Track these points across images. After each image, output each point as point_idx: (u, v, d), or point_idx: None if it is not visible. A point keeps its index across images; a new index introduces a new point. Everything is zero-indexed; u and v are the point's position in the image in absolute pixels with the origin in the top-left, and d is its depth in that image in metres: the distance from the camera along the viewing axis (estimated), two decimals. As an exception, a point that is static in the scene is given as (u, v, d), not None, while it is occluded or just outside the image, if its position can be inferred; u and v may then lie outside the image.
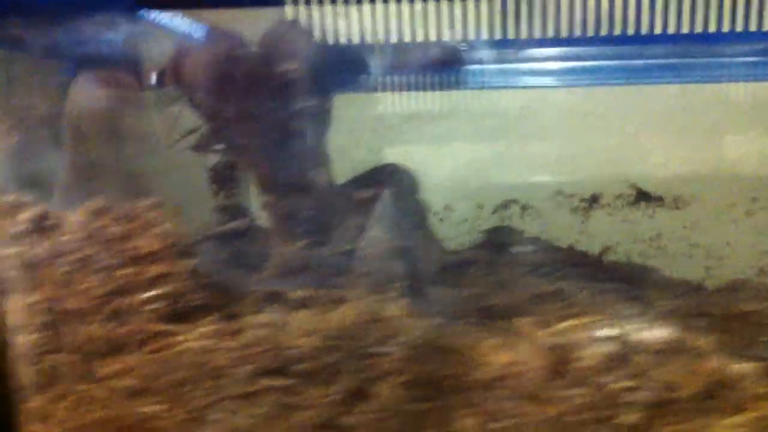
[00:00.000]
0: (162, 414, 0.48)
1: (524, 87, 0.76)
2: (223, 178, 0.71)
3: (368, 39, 0.70)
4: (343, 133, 0.69)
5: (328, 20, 0.70)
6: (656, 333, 0.48)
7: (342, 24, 0.71)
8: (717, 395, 0.45)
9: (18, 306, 0.49)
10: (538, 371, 0.46)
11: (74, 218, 0.48)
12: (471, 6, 0.69)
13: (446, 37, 0.71)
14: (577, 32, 0.70)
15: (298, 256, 0.56)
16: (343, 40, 0.70)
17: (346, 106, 0.71)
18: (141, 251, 0.47)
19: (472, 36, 0.70)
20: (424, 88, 0.78)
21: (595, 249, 0.78)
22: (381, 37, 0.71)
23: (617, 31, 0.70)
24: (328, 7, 0.69)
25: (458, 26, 0.71)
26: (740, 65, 0.69)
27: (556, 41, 0.71)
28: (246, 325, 0.48)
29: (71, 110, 0.58)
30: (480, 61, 0.75)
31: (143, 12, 0.63)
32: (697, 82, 0.73)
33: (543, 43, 0.72)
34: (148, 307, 0.48)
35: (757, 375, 0.45)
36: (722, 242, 0.75)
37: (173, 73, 0.62)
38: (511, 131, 0.77)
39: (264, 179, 0.62)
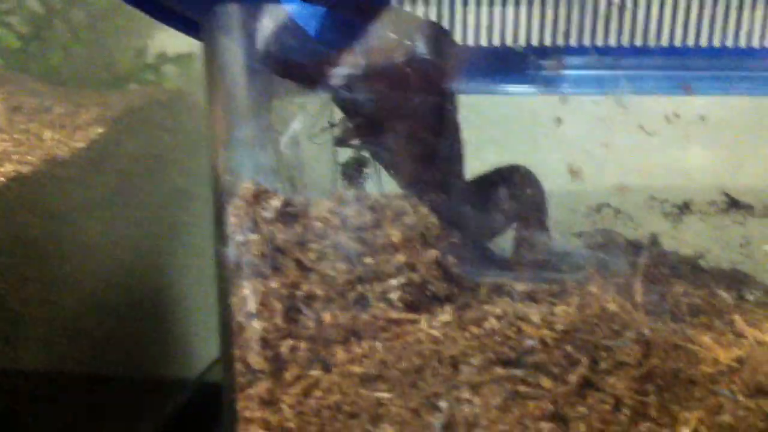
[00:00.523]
0: (394, 401, 0.49)
1: (624, 93, 0.79)
2: (354, 174, 0.72)
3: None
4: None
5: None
6: None
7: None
8: None
9: (256, 291, 0.49)
10: (766, 366, 0.49)
11: (323, 206, 0.48)
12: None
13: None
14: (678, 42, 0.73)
15: (531, 248, 0.57)
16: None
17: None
18: (388, 240, 0.48)
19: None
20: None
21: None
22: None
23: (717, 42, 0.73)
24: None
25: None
26: None
27: (656, 50, 0.74)
28: (482, 315, 0.49)
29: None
30: (579, 67, 0.77)
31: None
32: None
33: (642, 51, 0.74)
34: (390, 295, 0.49)
35: None
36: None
37: (328, 67, 0.62)
38: (606, 136, 0.79)
39: (409, 178, 0.63)
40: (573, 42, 0.72)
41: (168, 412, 0.96)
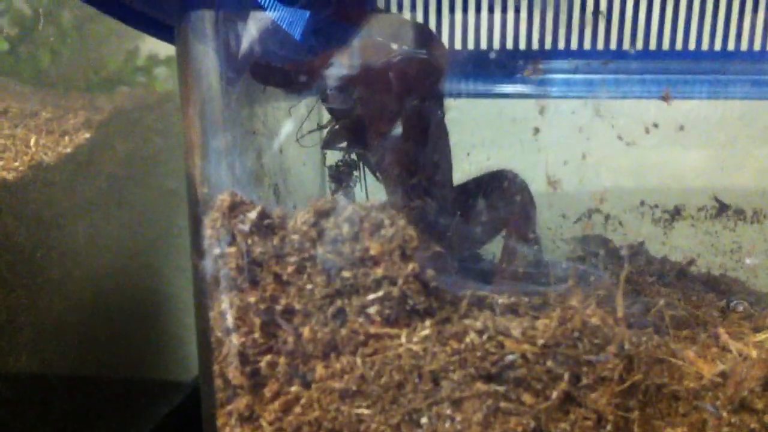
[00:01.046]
0: (375, 417, 0.48)
1: (615, 97, 0.78)
2: (342, 177, 0.72)
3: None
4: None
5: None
6: None
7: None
8: None
9: (233, 306, 0.48)
10: (751, 381, 0.49)
11: (300, 218, 0.48)
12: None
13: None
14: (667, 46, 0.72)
15: (517, 257, 0.57)
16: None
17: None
18: (367, 253, 0.47)
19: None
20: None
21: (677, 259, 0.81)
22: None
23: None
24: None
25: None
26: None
27: (647, 53, 0.73)
28: (462, 329, 0.48)
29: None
30: (566, 71, 0.76)
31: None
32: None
33: (632, 55, 0.74)
34: (369, 309, 0.48)
35: None
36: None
37: (316, 72, 0.62)
38: (598, 140, 0.79)
39: (396, 181, 0.63)
40: (558, 46, 0.71)
41: (162, 415, 0.96)
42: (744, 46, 0.71)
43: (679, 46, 0.69)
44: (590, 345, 0.49)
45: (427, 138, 0.65)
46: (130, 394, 0.96)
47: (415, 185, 0.63)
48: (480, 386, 0.48)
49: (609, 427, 0.48)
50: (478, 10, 0.70)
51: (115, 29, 1.16)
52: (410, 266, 0.48)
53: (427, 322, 0.49)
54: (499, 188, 0.70)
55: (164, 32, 0.54)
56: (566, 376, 0.48)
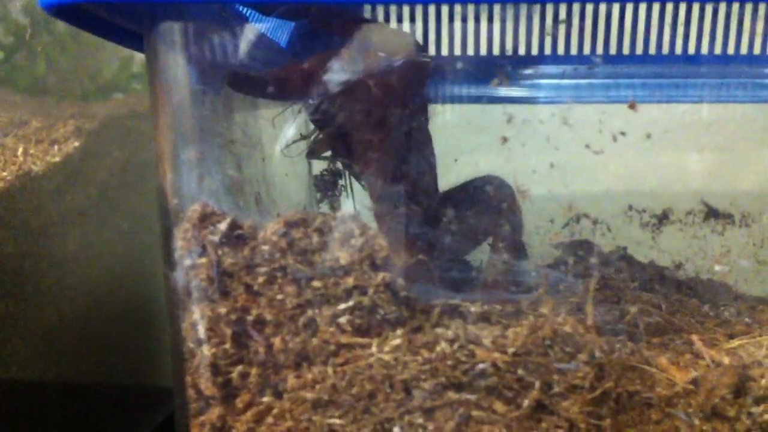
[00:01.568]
0: (347, 427, 0.48)
1: (602, 101, 0.78)
2: (327, 186, 0.72)
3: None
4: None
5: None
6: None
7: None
8: None
9: (205, 317, 0.48)
10: (723, 388, 0.48)
11: (270, 229, 0.48)
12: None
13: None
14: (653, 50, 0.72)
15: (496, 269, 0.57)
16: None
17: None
18: (337, 263, 0.47)
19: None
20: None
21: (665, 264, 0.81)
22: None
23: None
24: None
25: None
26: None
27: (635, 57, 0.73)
28: (433, 338, 0.48)
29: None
30: (554, 76, 0.76)
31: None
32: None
33: (620, 60, 0.74)
34: (340, 319, 0.48)
35: None
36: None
37: (296, 81, 0.62)
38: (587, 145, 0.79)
39: (381, 190, 0.63)
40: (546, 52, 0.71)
41: (158, 422, 0.96)
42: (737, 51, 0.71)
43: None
44: (561, 353, 0.49)
45: (411, 145, 0.65)
46: (127, 402, 0.97)
47: (399, 193, 0.63)
48: (452, 395, 0.48)
49: (582, 435, 0.48)
50: (463, 20, 0.70)
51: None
52: (380, 276, 0.48)
53: (399, 332, 0.49)
54: (484, 194, 0.69)
55: (132, 41, 0.54)
56: (537, 384, 0.48)
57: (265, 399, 0.49)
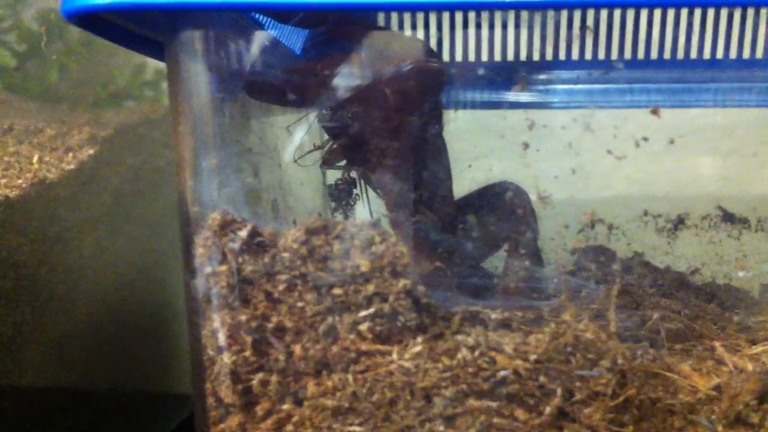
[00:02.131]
0: (367, 434, 0.48)
1: (615, 107, 0.78)
2: (342, 195, 0.72)
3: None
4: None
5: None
6: None
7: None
8: None
9: (225, 324, 0.48)
10: (746, 395, 0.48)
11: (290, 236, 0.48)
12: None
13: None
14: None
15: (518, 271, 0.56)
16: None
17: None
18: (357, 270, 0.47)
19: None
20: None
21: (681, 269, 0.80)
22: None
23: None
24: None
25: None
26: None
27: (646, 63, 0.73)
28: (454, 345, 0.48)
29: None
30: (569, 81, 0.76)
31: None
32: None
33: (631, 64, 0.74)
34: (360, 326, 0.48)
35: None
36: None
37: (310, 86, 0.62)
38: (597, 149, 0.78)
39: (396, 198, 0.63)
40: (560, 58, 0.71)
41: (171, 428, 0.96)
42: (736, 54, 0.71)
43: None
44: (583, 360, 0.48)
45: (426, 153, 0.64)
46: (139, 409, 0.97)
47: (415, 200, 0.63)
48: (472, 402, 0.48)
49: (604, 442, 0.48)
50: (478, 26, 0.70)
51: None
52: (401, 283, 0.48)
53: (419, 339, 0.49)
54: (500, 201, 0.69)
55: (153, 49, 0.54)
56: (559, 391, 0.48)
57: (285, 406, 0.49)
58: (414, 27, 0.71)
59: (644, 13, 0.71)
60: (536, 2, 0.44)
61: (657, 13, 0.69)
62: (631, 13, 0.70)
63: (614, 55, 0.72)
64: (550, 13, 0.69)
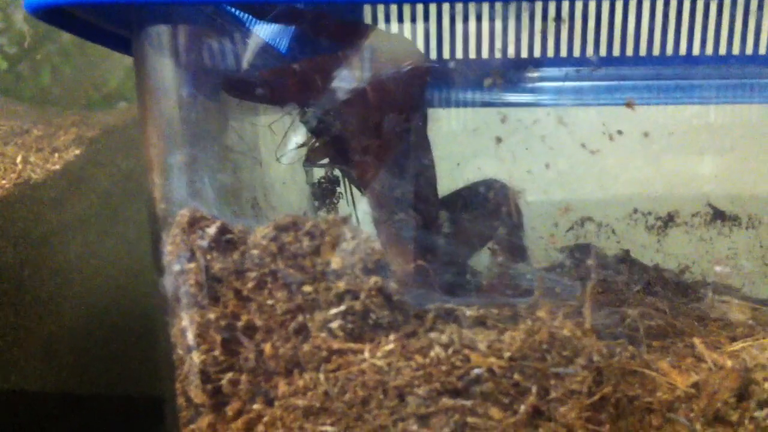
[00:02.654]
0: (339, 434, 0.47)
1: (605, 104, 0.77)
2: (325, 193, 0.71)
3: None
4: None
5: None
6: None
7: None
8: None
9: (194, 323, 0.47)
10: (725, 392, 0.47)
11: (259, 233, 0.47)
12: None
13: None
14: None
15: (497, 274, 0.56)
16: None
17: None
18: (328, 267, 0.46)
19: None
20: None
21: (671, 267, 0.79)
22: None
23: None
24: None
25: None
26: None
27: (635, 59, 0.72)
28: (427, 343, 0.47)
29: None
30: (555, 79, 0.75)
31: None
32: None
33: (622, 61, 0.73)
34: (331, 324, 0.47)
35: None
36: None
37: (289, 85, 0.61)
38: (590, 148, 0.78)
39: (379, 196, 0.62)
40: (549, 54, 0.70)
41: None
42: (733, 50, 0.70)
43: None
44: (558, 357, 0.47)
45: (409, 150, 0.64)
46: (128, 412, 0.96)
47: (398, 198, 0.62)
48: (446, 401, 0.47)
49: (580, 441, 0.47)
50: (465, 20, 0.69)
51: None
52: (373, 280, 0.47)
53: (392, 337, 0.48)
54: (485, 198, 0.68)
55: (122, 44, 0.54)
56: (534, 389, 0.47)
57: (256, 406, 0.48)
58: (401, 20, 0.71)
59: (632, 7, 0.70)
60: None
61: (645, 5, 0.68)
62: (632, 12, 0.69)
63: (600, 51, 0.70)
64: (537, 5, 0.68)
